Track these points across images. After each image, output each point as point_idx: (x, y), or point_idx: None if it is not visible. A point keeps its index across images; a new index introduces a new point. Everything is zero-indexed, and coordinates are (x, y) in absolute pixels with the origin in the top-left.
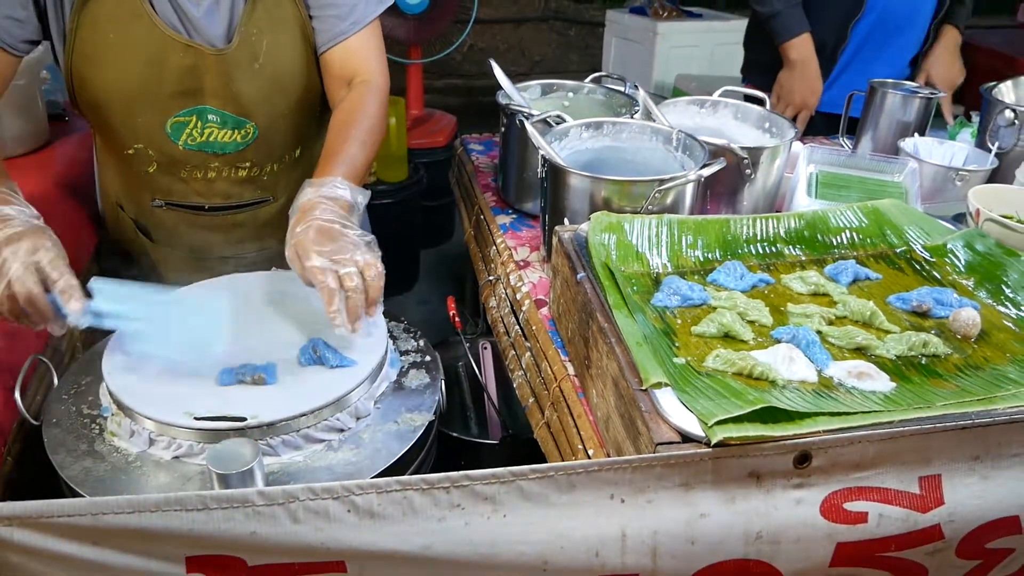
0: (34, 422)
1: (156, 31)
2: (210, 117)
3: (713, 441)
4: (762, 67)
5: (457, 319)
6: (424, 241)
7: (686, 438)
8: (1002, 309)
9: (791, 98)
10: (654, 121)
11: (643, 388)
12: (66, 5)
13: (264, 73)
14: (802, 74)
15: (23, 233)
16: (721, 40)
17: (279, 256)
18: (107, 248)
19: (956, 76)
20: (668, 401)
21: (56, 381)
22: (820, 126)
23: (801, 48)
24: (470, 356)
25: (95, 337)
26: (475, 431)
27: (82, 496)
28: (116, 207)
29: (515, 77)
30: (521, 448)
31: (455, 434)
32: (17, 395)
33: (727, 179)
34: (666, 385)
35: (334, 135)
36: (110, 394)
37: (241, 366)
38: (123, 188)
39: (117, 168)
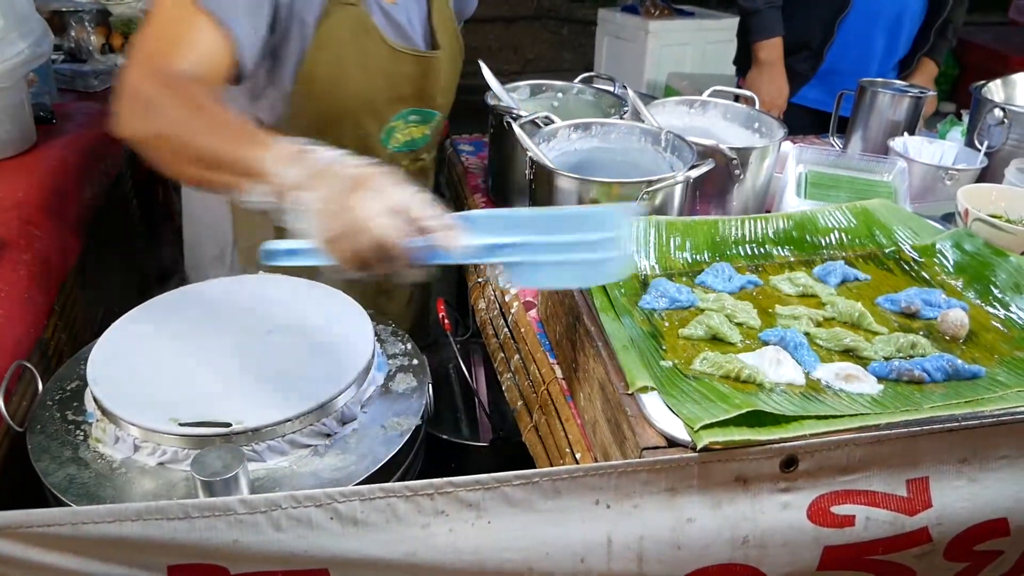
0: (18, 428)
1: (385, 45)
2: (411, 117)
3: (699, 446)
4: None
5: (446, 321)
6: None
7: (672, 443)
8: (990, 310)
9: (760, 97)
10: (643, 122)
11: (629, 392)
12: (309, 25)
13: (451, 67)
14: (769, 75)
15: (367, 173)
16: (713, 38)
17: None
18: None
19: (929, 109)
20: (654, 405)
21: (41, 387)
22: (804, 122)
23: (771, 50)
24: (459, 358)
25: (81, 342)
26: (465, 433)
27: (66, 503)
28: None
29: (508, 76)
30: (511, 450)
31: (444, 436)
32: (1, 401)
33: (716, 180)
34: (652, 389)
35: None
36: (95, 400)
37: None
38: None
39: None
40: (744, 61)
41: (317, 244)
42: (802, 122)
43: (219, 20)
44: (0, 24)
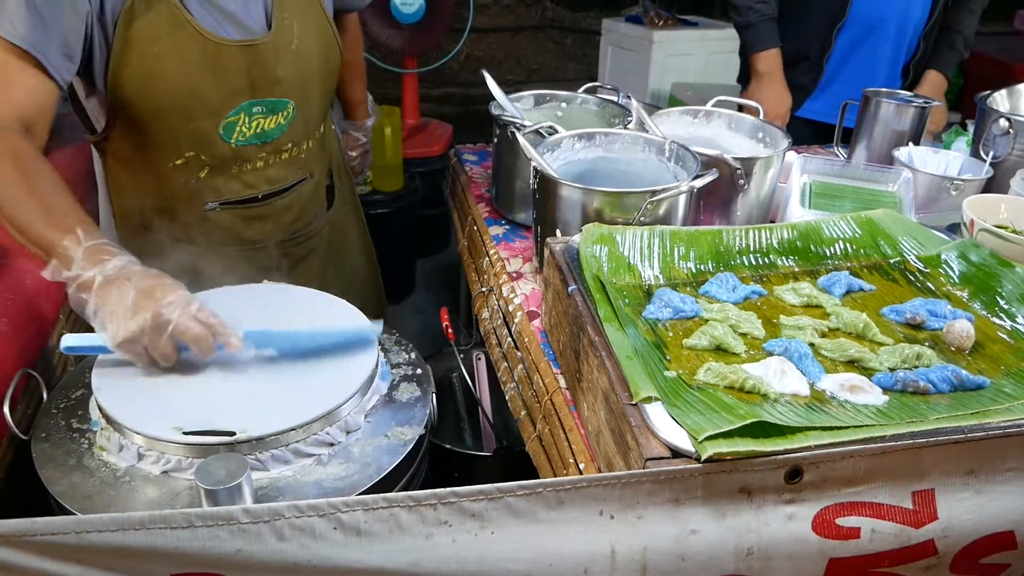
0: (23, 436)
1: (201, 37)
2: (255, 109)
3: (703, 457)
4: None
5: (450, 330)
6: (420, 251)
7: (676, 453)
8: (996, 321)
9: (762, 108)
10: (647, 132)
11: (633, 402)
12: (108, 27)
13: (299, 53)
14: (769, 85)
15: (163, 286)
16: (717, 48)
17: (320, 232)
18: None
19: (940, 122)
20: (658, 416)
21: (46, 395)
22: (808, 135)
23: (768, 61)
24: (463, 367)
25: None
26: (469, 443)
27: (70, 511)
28: (139, 228)
29: (512, 86)
30: (515, 460)
31: (448, 446)
32: (6, 409)
33: (720, 190)
34: (656, 399)
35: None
36: (99, 408)
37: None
38: (158, 204)
39: (152, 187)
40: (747, 78)
41: (110, 344)
42: (804, 135)
43: (35, 58)
44: None
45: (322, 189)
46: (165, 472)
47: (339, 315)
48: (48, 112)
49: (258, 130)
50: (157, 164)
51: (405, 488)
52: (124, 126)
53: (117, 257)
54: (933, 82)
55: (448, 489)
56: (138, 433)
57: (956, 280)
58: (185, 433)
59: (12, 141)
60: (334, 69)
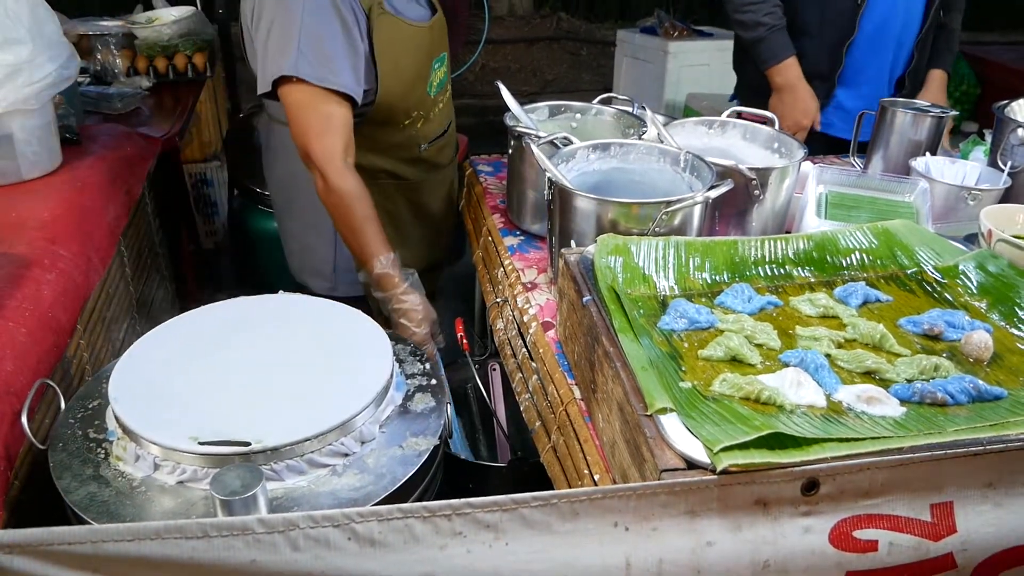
0: (40, 446)
1: (411, 28)
2: (435, 65)
3: (719, 468)
4: (752, 89)
5: (465, 341)
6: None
7: (692, 465)
8: (1015, 332)
9: (783, 122)
10: (662, 142)
11: (648, 413)
12: (367, 46)
13: (442, 20)
14: (791, 97)
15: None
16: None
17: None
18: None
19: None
20: (673, 427)
21: (63, 405)
22: (823, 148)
23: (787, 72)
24: (478, 378)
25: (103, 360)
26: (484, 454)
27: (87, 521)
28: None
29: (527, 97)
30: (530, 471)
31: (463, 457)
32: (24, 419)
33: (736, 200)
34: (671, 410)
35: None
36: (116, 418)
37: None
38: (387, 159)
39: (383, 149)
40: (743, 91)
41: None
42: (818, 149)
43: (351, 97)
44: (29, 48)
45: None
46: (181, 482)
47: (353, 323)
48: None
49: (440, 79)
50: (391, 129)
51: (420, 499)
52: (380, 111)
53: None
54: (939, 80)
55: (463, 500)
56: (154, 443)
57: (974, 291)
58: (200, 443)
59: (358, 181)
60: None
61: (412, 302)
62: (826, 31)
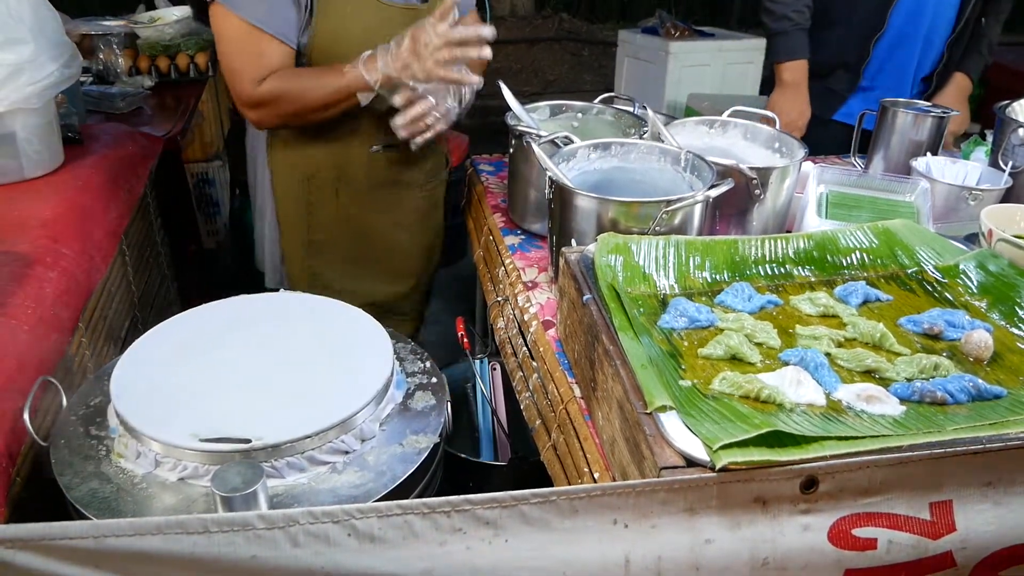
0: (42, 443)
1: (376, 3)
2: None
3: (718, 466)
4: None
5: (466, 340)
6: None
7: (691, 462)
8: (1015, 331)
9: (780, 117)
10: (663, 142)
11: (648, 411)
12: None
13: None
14: (793, 96)
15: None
16: (733, 59)
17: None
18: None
19: (961, 125)
20: (673, 425)
21: (65, 402)
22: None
23: (795, 71)
24: (479, 377)
25: (105, 358)
26: (484, 452)
27: (88, 517)
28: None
29: (529, 97)
30: (530, 470)
31: (463, 455)
32: (26, 416)
33: (736, 200)
34: (671, 408)
35: None
36: (117, 415)
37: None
38: (327, 146)
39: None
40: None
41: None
42: (840, 138)
43: (273, 35)
44: (31, 47)
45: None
46: (182, 479)
47: (354, 321)
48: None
49: None
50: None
51: (420, 497)
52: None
53: (380, 57)
54: (959, 84)
55: (462, 496)
56: (155, 440)
57: (974, 290)
58: (201, 440)
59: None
60: None
61: (406, 64)
62: (855, 23)
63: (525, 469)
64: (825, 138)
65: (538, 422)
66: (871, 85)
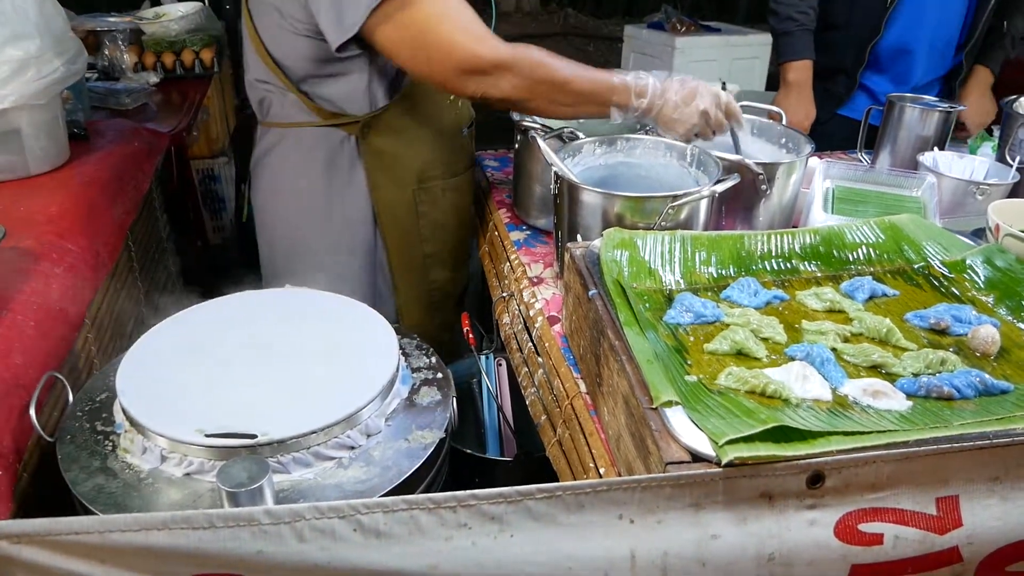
0: (48, 439)
1: None
2: None
3: (724, 461)
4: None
5: (471, 335)
6: None
7: (697, 457)
8: (1022, 326)
9: (787, 117)
10: (668, 136)
11: (653, 407)
12: None
13: None
14: (797, 96)
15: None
16: (739, 54)
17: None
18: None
19: (985, 117)
20: (679, 420)
21: (71, 398)
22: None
23: (800, 72)
24: (484, 373)
25: (111, 354)
26: (490, 448)
27: (94, 513)
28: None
29: None
30: (536, 466)
31: (469, 451)
32: (32, 412)
33: (742, 195)
34: (677, 404)
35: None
36: (123, 411)
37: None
38: (438, 147)
39: (435, 134)
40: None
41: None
42: (846, 133)
43: None
44: (36, 43)
45: None
46: (187, 474)
47: (359, 317)
48: None
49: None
50: (438, 101)
51: (426, 492)
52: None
53: (656, 91)
54: (980, 77)
55: (468, 492)
56: (161, 435)
57: (981, 285)
58: (207, 436)
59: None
60: None
61: (670, 116)
62: (853, 28)
63: (531, 465)
64: (830, 135)
65: (544, 418)
66: (869, 89)
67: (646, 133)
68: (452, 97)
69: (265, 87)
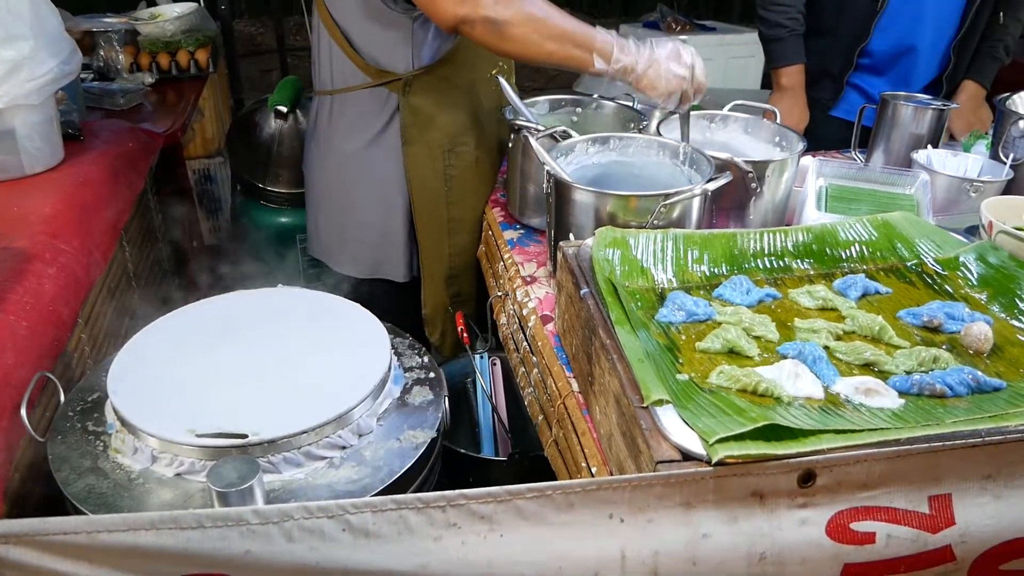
0: (40, 439)
1: None
2: None
3: (714, 459)
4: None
5: (465, 335)
6: None
7: (687, 456)
8: (1015, 323)
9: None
10: (662, 136)
11: (644, 405)
12: None
13: None
14: (791, 101)
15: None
16: (735, 53)
17: None
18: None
19: (980, 126)
20: (669, 419)
21: (63, 398)
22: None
23: (792, 77)
24: (479, 372)
25: (104, 354)
26: (484, 448)
27: (84, 513)
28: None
29: (531, 92)
30: (530, 465)
31: (463, 451)
32: (23, 411)
33: (735, 193)
34: (667, 402)
35: None
36: (114, 411)
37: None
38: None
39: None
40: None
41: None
42: (840, 135)
43: None
44: (30, 43)
45: None
46: (178, 474)
47: (351, 316)
48: None
49: None
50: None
51: (418, 492)
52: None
53: (639, 51)
54: (970, 92)
55: (457, 491)
56: (152, 436)
57: (974, 283)
58: (198, 436)
59: None
60: None
61: (650, 76)
62: (841, 32)
63: (525, 464)
64: (821, 138)
65: (540, 417)
66: (857, 93)
67: (639, 132)
68: (493, 72)
69: (326, 53)
